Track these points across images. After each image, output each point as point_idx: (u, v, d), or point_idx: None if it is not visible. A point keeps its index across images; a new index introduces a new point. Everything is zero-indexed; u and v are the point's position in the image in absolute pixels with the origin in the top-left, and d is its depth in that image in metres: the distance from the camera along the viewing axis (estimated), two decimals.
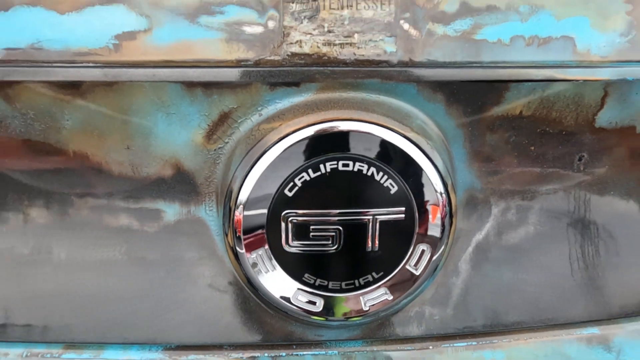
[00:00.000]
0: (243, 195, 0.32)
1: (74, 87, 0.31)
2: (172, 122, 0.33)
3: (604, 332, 0.41)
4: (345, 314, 0.36)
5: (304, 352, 0.38)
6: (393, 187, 0.33)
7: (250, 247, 0.33)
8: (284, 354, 0.38)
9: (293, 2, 0.30)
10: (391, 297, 0.35)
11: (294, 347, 0.39)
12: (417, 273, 0.35)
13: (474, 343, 0.40)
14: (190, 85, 0.31)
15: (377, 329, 0.39)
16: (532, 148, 0.36)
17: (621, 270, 0.41)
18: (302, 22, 0.30)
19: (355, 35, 0.31)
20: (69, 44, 0.30)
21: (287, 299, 0.35)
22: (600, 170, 0.38)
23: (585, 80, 0.33)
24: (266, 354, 0.38)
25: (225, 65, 0.30)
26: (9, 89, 0.31)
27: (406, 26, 0.31)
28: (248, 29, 0.30)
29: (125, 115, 0.32)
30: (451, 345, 0.39)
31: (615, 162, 0.38)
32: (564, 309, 0.41)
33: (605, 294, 0.41)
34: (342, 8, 0.31)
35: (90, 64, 0.30)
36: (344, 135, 0.32)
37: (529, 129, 0.36)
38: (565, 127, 0.36)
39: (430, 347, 0.39)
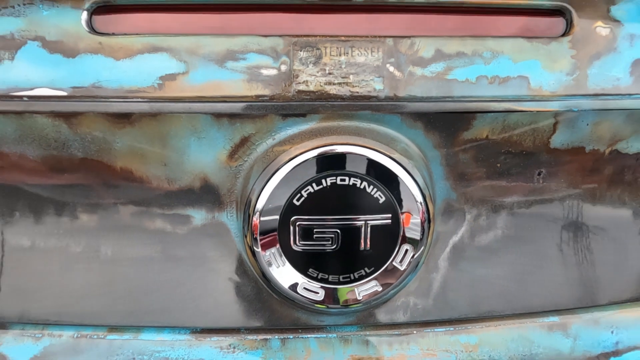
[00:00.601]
0: (260, 204, 0.39)
1: (125, 117, 0.39)
2: (202, 144, 0.40)
3: (563, 320, 0.48)
4: (342, 302, 0.43)
5: (308, 335, 0.45)
6: (381, 197, 0.40)
7: (265, 247, 0.40)
8: (291, 337, 0.45)
9: (301, 51, 0.38)
10: (380, 289, 0.43)
11: (300, 331, 0.46)
12: (402, 269, 0.42)
13: (451, 329, 0.47)
14: (218, 115, 0.39)
15: (370, 316, 0.46)
16: (499, 165, 0.44)
17: (577, 266, 0.48)
18: (308, 66, 0.38)
19: (351, 76, 0.38)
20: (122, 83, 0.38)
21: (294, 290, 0.42)
22: (556, 183, 0.45)
23: (538, 111, 0.41)
24: (276, 337, 0.45)
25: (246, 100, 0.38)
26: (73, 118, 0.39)
27: (391, 69, 0.39)
28: (265, 72, 0.38)
29: (164, 139, 0.40)
30: (432, 330, 0.46)
31: (568, 176, 0.45)
32: (528, 300, 0.48)
33: (564, 287, 0.48)
34: (340, 55, 0.38)
35: (139, 99, 0.38)
36: (341, 156, 0.39)
37: (494, 149, 0.43)
38: (525, 148, 0.43)
39: (414, 332, 0.46)
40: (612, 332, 0.48)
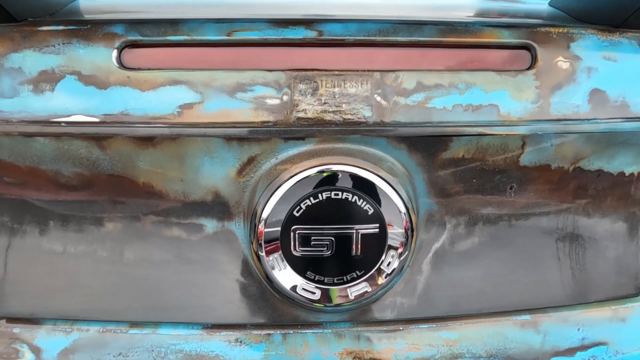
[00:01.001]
0: (264, 215, 0.45)
1: (148, 140, 0.45)
2: (214, 163, 0.46)
3: (535, 318, 0.54)
4: (336, 301, 0.49)
5: (306, 331, 0.51)
6: (370, 209, 0.46)
7: (268, 252, 0.46)
8: (291, 332, 0.51)
9: (300, 83, 0.44)
10: (370, 289, 0.48)
11: (299, 327, 0.51)
12: (389, 272, 0.48)
13: (434, 325, 0.52)
14: (228, 139, 0.45)
15: (361, 313, 0.52)
16: (474, 180, 0.50)
17: (547, 270, 0.54)
18: (306, 97, 0.44)
19: (343, 105, 0.44)
20: (147, 111, 0.44)
21: (294, 290, 0.48)
22: (526, 196, 0.51)
23: (507, 135, 0.47)
24: (278, 332, 0.51)
25: (253, 126, 0.44)
26: (103, 141, 0.45)
27: (378, 99, 0.45)
28: (269, 101, 0.44)
29: (182, 159, 0.46)
30: (416, 327, 0.52)
31: (537, 190, 0.51)
32: (503, 300, 0.54)
33: (536, 288, 0.54)
34: (334, 87, 0.44)
35: (161, 125, 0.44)
36: (335, 174, 0.45)
37: (470, 167, 0.49)
38: (497, 166, 0.49)
39: (401, 328, 0.52)
40: (578, 330, 0.54)
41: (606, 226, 0.53)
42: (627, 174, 0.52)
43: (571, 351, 0.53)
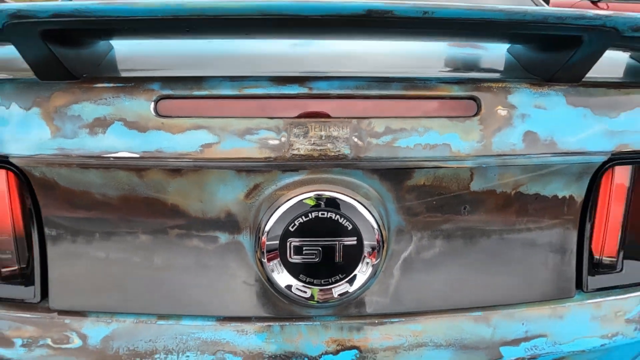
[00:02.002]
0: (266, 230, 0.58)
1: (177, 171, 0.57)
2: (227, 188, 0.59)
3: (486, 314, 0.65)
4: (323, 299, 0.60)
5: (300, 323, 0.63)
6: (350, 226, 0.58)
7: (270, 259, 0.58)
8: (287, 324, 0.63)
9: (295, 128, 0.56)
10: (350, 290, 0.60)
11: (294, 320, 0.63)
12: (365, 275, 0.60)
13: (402, 319, 0.64)
14: (239, 170, 0.57)
15: (343, 309, 0.63)
16: (434, 202, 0.62)
17: (496, 274, 0.65)
18: (299, 138, 0.57)
19: (328, 145, 0.57)
20: (176, 149, 0.56)
21: (290, 290, 0.60)
22: (478, 214, 0.63)
23: (457, 167, 0.59)
24: (277, 324, 0.63)
25: (258, 161, 0.57)
26: (142, 171, 0.57)
27: (356, 140, 0.57)
28: (270, 142, 0.56)
29: (202, 185, 0.58)
30: (389, 320, 0.64)
31: (485, 210, 0.63)
32: (460, 299, 0.65)
33: (487, 290, 0.66)
34: (321, 130, 0.57)
35: (187, 160, 0.56)
36: (322, 198, 0.57)
37: (430, 192, 0.61)
38: (452, 191, 0.61)
39: (376, 322, 0.63)
40: (522, 324, 0.65)
41: (545, 239, 0.65)
42: (559, 197, 0.64)
43: (516, 342, 0.65)
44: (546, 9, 0.47)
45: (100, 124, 0.56)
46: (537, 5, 1.10)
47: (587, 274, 0.67)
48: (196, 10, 0.44)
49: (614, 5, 4.61)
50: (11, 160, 0.57)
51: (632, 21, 0.47)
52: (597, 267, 0.68)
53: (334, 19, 0.45)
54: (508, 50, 0.70)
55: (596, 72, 0.60)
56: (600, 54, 0.54)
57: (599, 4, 4.72)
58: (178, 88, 0.57)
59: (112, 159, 0.56)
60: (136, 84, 0.57)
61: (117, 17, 0.45)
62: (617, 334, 0.66)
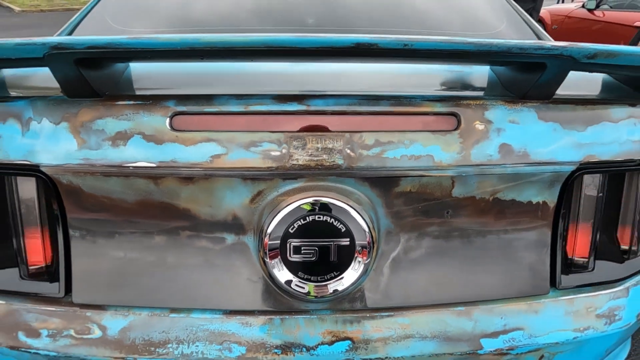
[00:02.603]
0: (268, 231, 0.64)
1: (189, 179, 0.64)
2: (233, 194, 0.66)
3: (467, 309, 0.71)
4: (319, 294, 0.67)
5: (298, 316, 0.69)
6: (343, 228, 0.65)
7: (271, 258, 0.65)
8: (287, 317, 0.69)
9: (294, 141, 0.63)
10: (344, 287, 0.67)
11: (293, 313, 0.70)
12: (358, 274, 0.66)
13: (392, 313, 0.70)
14: (244, 178, 0.64)
15: (338, 303, 0.70)
16: (420, 207, 0.68)
17: (477, 272, 0.72)
18: (298, 150, 0.63)
19: (324, 156, 0.64)
20: (189, 159, 0.63)
21: (289, 285, 0.66)
22: (459, 217, 0.69)
23: (440, 176, 0.66)
24: (277, 317, 0.69)
25: (261, 170, 0.63)
26: (158, 179, 0.64)
27: (348, 151, 0.64)
28: (273, 153, 0.63)
29: (211, 191, 0.65)
30: (379, 314, 0.70)
31: (467, 214, 0.69)
32: (444, 295, 0.71)
33: (469, 287, 0.72)
34: (318, 143, 0.64)
35: (198, 169, 0.63)
36: (318, 203, 0.64)
37: (416, 198, 0.67)
38: (436, 197, 0.68)
39: (367, 315, 0.70)
40: (501, 318, 0.71)
41: (521, 240, 0.72)
42: (534, 202, 0.70)
43: (495, 334, 0.71)
44: (510, 41, 0.54)
45: (121, 137, 0.63)
46: (530, 26, 1.18)
47: (560, 272, 0.74)
48: (211, 43, 0.51)
49: (609, 13, 4.68)
50: (41, 168, 0.64)
51: (586, 51, 0.54)
52: (570, 267, 0.75)
53: (327, 50, 0.52)
54: (490, 68, 0.77)
55: (570, 88, 0.66)
56: (563, 76, 0.61)
57: (595, 12, 4.80)
58: (191, 105, 0.64)
59: (131, 168, 0.63)
60: (153, 101, 0.64)
61: (143, 49, 0.52)
62: (588, 328, 0.73)
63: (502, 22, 1.19)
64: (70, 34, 1.09)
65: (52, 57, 0.53)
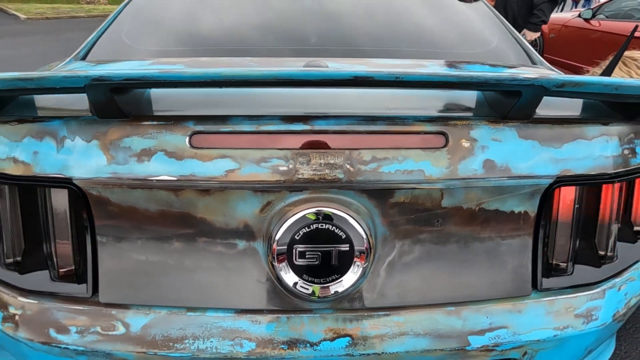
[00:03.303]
0: (276, 238, 0.72)
1: (206, 191, 0.72)
2: (245, 204, 0.73)
3: (457, 309, 0.78)
4: (322, 295, 0.74)
5: (303, 315, 0.76)
6: (344, 235, 0.72)
7: (279, 262, 0.72)
8: (293, 315, 0.76)
9: (300, 157, 0.71)
10: (345, 288, 0.74)
11: (298, 312, 0.77)
12: (357, 276, 0.74)
13: (388, 312, 0.77)
14: (255, 190, 0.72)
15: (338, 303, 0.77)
16: (412, 216, 0.76)
17: (466, 275, 0.78)
18: (303, 165, 0.71)
19: (326, 170, 0.71)
20: (206, 173, 0.71)
21: (295, 287, 0.73)
22: (449, 225, 0.77)
23: (430, 188, 0.73)
24: (284, 315, 0.76)
25: (270, 183, 0.71)
26: (178, 191, 0.72)
27: (348, 166, 0.71)
28: (281, 168, 0.71)
29: (225, 202, 0.73)
30: (376, 313, 0.77)
31: (455, 222, 0.77)
32: (435, 295, 0.78)
33: (458, 288, 0.79)
34: (321, 159, 0.71)
35: (214, 182, 0.71)
36: (321, 213, 0.71)
37: (409, 208, 0.75)
38: (427, 207, 0.75)
39: (365, 314, 0.77)
40: (487, 317, 0.78)
41: (505, 246, 0.79)
42: (516, 212, 0.78)
43: (482, 332, 0.78)
44: (488, 74, 0.62)
45: (145, 153, 0.71)
46: (520, 44, 1.26)
47: (541, 276, 0.81)
48: (230, 76, 0.59)
49: (605, 23, 4.76)
50: (74, 181, 0.72)
51: (555, 81, 0.62)
52: (551, 270, 0.82)
53: (329, 81, 0.60)
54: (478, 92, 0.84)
55: (549, 107, 0.74)
56: (538, 101, 0.69)
57: (591, 21, 4.88)
58: (208, 125, 0.72)
59: (154, 181, 0.71)
60: (175, 122, 0.72)
61: (171, 81, 0.60)
62: (567, 327, 0.79)
63: (494, 40, 1.27)
64: (88, 51, 1.18)
65: (91, 87, 0.61)
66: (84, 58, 1.15)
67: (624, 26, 4.49)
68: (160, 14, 1.31)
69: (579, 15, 5.04)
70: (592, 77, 0.65)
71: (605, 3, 4.97)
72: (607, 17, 4.87)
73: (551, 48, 5.27)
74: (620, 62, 1.58)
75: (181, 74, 0.59)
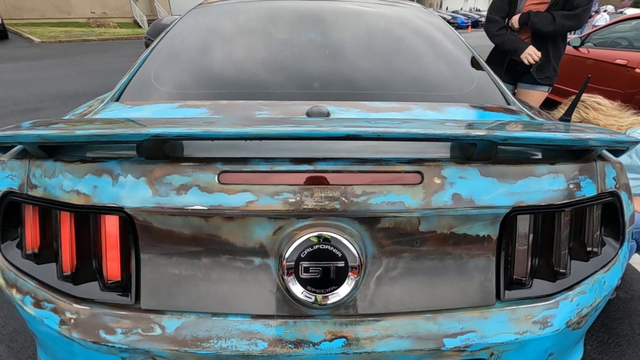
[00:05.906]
0: (286, 255, 0.89)
1: (230, 218, 0.90)
2: (260, 228, 0.91)
3: (434, 316, 0.94)
4: (322, 303, 0.91)
5: (307, 320, 0.92)
6: (340, 254, 0.89)
7: (288, 275, 0.89)
8: (298, 320, 0.92)
9: (305, 192, 0.89)
10: (341, 297, 0.90)
11: (303, 317, 0.93)
12: (350, 288, 0.90)
13: (376, 318, 0.93)
14: (269, 217, 0.89)
15: (336, 310, 0.93)
16: (396, 238, 0.93)
17: (442, 286, 0.95)
18: (308, 198, 0.89)
19: (326, 202, 0.89)
20: (230, 204, 0.88)
21: (301, 296, 0.90)
22: (426, 245, 0.93)
23: (409, 216, 0.90)
24: (292, 320, 0.92)
25: (282, 212, 0.89)
26: (208, 218, 0.89)
27: (343, 199, 0.89)
28: (290, 200, 0.89)
29: (244, 226, 0.90)
30: (366, 318, 0.93)
31: (431, 243, 0.93)
32: (415, 304, 0.94)
33: (434, 298, 0.95)
34: (322, 193, 0.89)
35: (237, 211, 0.89)
36: (322, 236, 0.89)
37: (393, 232, 0.92)
38: (407, 231, 0.92)
39: (358, 319, 0.93)
40: (459, 323, 0.94)
41: (473, 263, 0.96)
42: (481, 235, 0.95)
43: (454, 335, 0.93)
44: (449, 131, 0.80)
45: (183, 188, 0.89)
46: (497, 86, 1.45)
47: (504, 288, 0.97)
48: (253, 134, 0.77)
49: (594, 51, 5.00)
50: (125, 210, 0.90)
51: (499, 137, 0.80)
52: (512, 284, 0.98)
53: (327, 137, 0.78)
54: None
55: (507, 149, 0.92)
56: (494, 149, 0.87)
57: (580, 49, 5.12)
58: (233, 165, 0.90)
59: (190, 210, 0.89)
60: (206, 162, 0.91)
61: (209, 137, 0.79)
62: (526, 331, 0.95)
63: (474, 82, 1.47)
64: (122, 93, 1.37)
65: (149, 141, 0.80)
66: (117, 99, 1.34)
67: (610, 54, 4.73)
68: (182, 58, 1.51)
69: (568, 43, 5.30)
70: (530, 132, 0.83)
71: (592, 32, 5.23)
72: (595, 45, 5.11)
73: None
74: (580, 104, 1.77)
75: (219, 132, 0.77)
